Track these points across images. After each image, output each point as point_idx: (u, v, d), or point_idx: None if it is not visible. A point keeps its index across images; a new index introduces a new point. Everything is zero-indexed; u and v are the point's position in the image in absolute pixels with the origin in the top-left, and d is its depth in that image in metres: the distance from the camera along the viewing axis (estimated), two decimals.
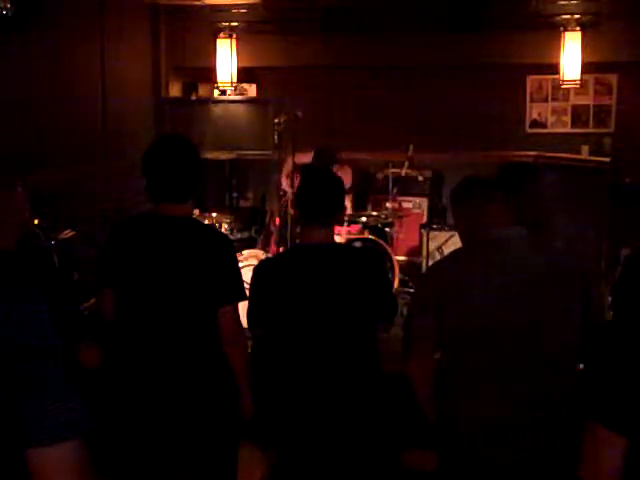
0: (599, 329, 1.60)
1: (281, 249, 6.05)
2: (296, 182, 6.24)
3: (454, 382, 2.45)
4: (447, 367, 2.48)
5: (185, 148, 2.81)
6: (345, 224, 6.10)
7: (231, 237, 5.69)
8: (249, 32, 7.79)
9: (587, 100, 7.94)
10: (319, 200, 2.79)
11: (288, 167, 6.55)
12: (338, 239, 5.66)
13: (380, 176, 7.16)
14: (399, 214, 6.62)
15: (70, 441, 1.36)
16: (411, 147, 6.57)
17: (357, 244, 5.99)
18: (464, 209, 2.57)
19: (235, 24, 7.73)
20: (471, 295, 2.35)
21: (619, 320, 1.50)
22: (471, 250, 2.52)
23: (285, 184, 6.61)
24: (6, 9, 4.54)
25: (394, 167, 6.82)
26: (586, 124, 7.97)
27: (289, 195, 6.20)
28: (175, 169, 2.75)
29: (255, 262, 5.03)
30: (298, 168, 6.11)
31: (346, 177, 6.45)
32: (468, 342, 2.37)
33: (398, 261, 6.18)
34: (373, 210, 6.89)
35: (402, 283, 6.21)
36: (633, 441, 1.44)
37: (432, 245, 6.32)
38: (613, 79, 7.83)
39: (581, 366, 2.21)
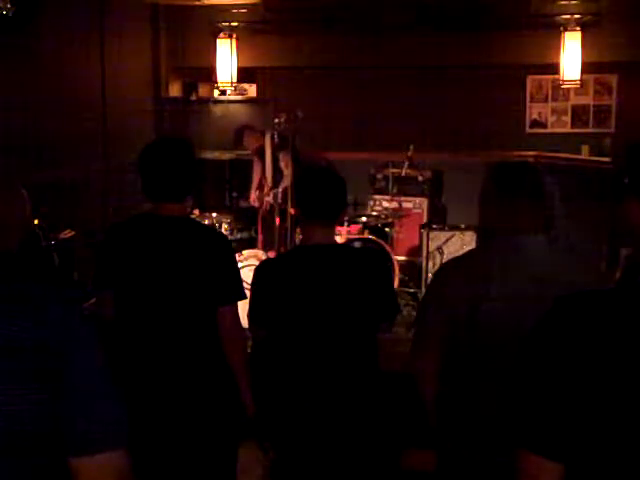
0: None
1: (274, 252, 6.04)
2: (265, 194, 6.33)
3: (458, 382, 2.44)
4: (452, 367, 2.47)
5: (180, 148, 2.81)
6: (345, 224, 6.11)
7: (231, 237, 5.70)
8: (249, 32, 7.79)
9: (587, 100, 7.95)
10: (320, 200, 2.79)
11: (256, 179, 6.58)
12: (338, 239, 5.66)
13: (380, 176, 7.16)
14: (399, 214, 6.62)
15: (117, 450, 1.34)
16: (411, 147, 6.57)
17: (357, 244, 5.99)
18: (488, 208, 2.49)
19: (235, 24, 7.74)
20: (486, 299, 2.33)
21: (532, 341, 1.44)
22: (489, 252, 2.47)
23: (253, 197, 6.65)
24: (6, 9, 4.54)
25: (394, 167, 6.82)
26: (586, 124, 7.98)
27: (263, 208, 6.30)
28: (171, 168, 2.75)
29: (255, 262, 5.04)
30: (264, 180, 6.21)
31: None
32: (477, 343, 2.36)
33: (398, 261, 6.18)
34: (373, 210, 6.89)
35: (402, 283, 6.21)
36: (569, 466, 1.35)
37: (432, 245, 6.32)
38: (613, 79, 7.84)
39: None
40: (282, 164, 6.33)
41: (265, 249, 6.10)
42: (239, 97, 8.13)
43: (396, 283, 5.92)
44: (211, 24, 7.70)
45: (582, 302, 1.38)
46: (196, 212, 5.75)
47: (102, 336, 2.81)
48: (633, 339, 1.29)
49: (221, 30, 7.70)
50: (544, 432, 1.37)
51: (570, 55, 7.40)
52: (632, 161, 1.39)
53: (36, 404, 1.26)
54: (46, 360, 1.28)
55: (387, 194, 6.82)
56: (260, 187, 6.58)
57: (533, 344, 1.41)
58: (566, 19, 7.42)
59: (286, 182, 6.15)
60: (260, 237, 6.51)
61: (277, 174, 6.30)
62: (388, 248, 6.04)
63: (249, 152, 6.65)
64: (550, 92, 7.99)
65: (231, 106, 8.05)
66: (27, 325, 1.28)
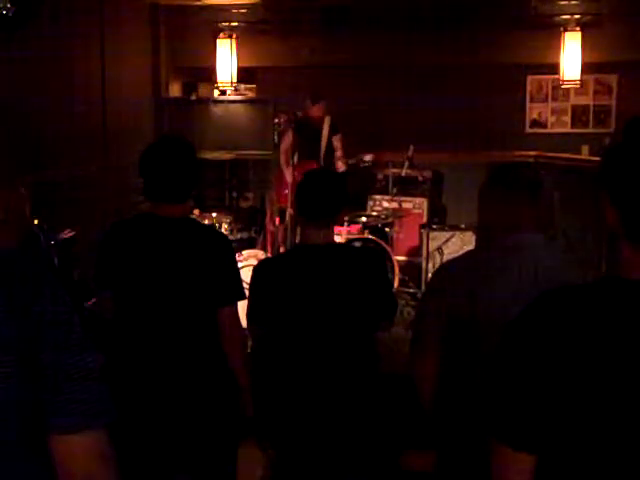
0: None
1: (281, 250, 6.04)
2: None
3: (457, 383, 2.44)
4: (452, 368, 2.47)
5: (182, 148, 2.82)
6: (345, 224, 6.11)
7: (231, 237, 5.69)
8: (249, 32, 7.79)
9: (587, 100, 7.95)
10: (319, 200, 2.79)
11: (287, 144, 6.51)
12: (338, 239, 5.66)
13: (380, 176, 7.17)
14: (399, 214, 6.63)
15: (96, 430, 1.33)
16: (411, 147, 6.58)
17: (357, 244, 5.99)
18: (487, 207, 2.49)
19: (235, 24, 7.74)
20: (485, 298, 2.33)
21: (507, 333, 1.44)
22: (488, 252, 2.46)
23: (287, 173, 6.47)
24: (6, 9, 4.53)
25: (394, 167, 6.83)
26: (586, 124, 7.97)
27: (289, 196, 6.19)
28: (172, 169, 2.75)
29: (255, 262, 5.03)
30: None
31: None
32: (476, 344, 2.36)
33: (398, 261, 6.18)
34: (373, 210, 6.89)
35: (402, 283, 6.21)
36: (542, 455, 1.35)
37: (432, 245, 6.33)
38: (613, 79, 7.84)
39: None
40: (335, 144, 6.70)
41: (273, 250, 6.08)
42: (239, 97, 8.13)
43: (396, 283, 5.92)
44: (211, 24, 7.70)
45: (558, 296, 1.39)
46: (196, 212, 5.75)
47: (102, 335, 2.81)
48: (607, 332, 1.29)
49: (221, 30, 7.70)
50: (514, 423, 1.37)
51: (570, 55, 7.40)
52: (605, 163, 1.40)
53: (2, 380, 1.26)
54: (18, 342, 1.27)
55: (387, 194, 6.82)
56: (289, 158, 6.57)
57: (509, 336, 1.42)
58: (566, 19, 7.42)
59: (338, 158, 6.59)
60: (270, 232, 6.47)
61: (329, 154, 6.67)
62: (388, 248, 6.04)
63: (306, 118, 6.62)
64: (550, 92, 7.99)
65: (231, 106, 8.06)
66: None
